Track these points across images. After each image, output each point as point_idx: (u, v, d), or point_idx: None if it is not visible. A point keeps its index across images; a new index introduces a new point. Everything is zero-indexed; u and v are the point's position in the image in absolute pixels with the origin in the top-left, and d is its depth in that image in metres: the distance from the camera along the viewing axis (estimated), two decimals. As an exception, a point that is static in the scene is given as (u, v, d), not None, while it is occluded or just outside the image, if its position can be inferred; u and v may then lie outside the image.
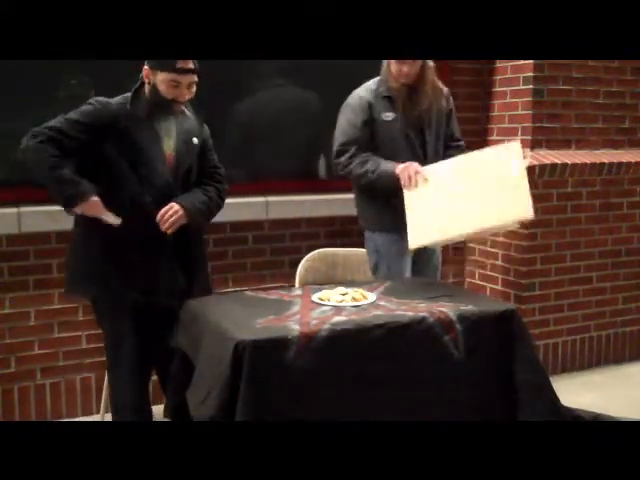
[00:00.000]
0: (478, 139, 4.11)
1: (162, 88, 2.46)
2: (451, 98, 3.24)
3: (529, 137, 3.78)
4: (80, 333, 3.31)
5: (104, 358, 3.19)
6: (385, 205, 3.00)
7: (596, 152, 3.97)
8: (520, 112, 3.83)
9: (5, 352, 3.19)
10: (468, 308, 2.42)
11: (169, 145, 2.55)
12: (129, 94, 2.54)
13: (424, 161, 2.96)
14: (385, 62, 3.00)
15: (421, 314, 2.35)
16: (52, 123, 2.45)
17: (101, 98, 2.53)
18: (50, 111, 3.00)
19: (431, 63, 3.02)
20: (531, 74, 3.75)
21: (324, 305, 2.44)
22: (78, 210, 2.44)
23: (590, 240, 3.97)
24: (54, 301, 3.25)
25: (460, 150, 3.16)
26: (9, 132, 3.21)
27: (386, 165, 2.91)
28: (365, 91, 3.05)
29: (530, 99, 3.76)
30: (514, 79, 3.86)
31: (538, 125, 3.79)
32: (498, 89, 4.00)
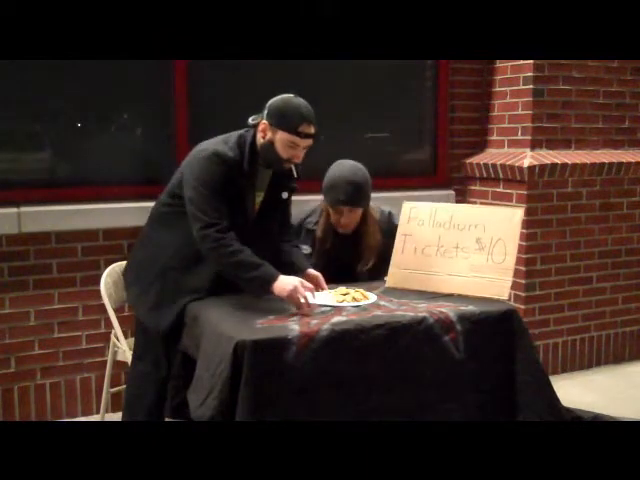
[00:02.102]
0: (478, 139, 4.12)
1: (279, 146, 2.43)
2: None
3: (529, 137, 3.78)
4: (80, 333, 3.31)
5: (104, 358, 3.21)
6: None
7: (596, 152, 3.97)
8: (520, 112, 3.83)
9: (5, 352, 3.19)
10: (468, 308, 2.42)
11: (258, 199, 2.57)
12: (245, 142, 2.48)
13: None
14: (322, 202, 2.85)
15: (421, 314, 2.35)
16: (202, 216, 2.37)
17: (221, 151, 2.43)
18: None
19: (374, 211, 2.87)
20: (531, 74, 3.75)
21: (325, 305, 2.44)
22: (275, 292, 2.37)
23: (590, 240, 3.97)
24: (54, 301, 3.25)
25: None
26: (11, 134, 3.23)
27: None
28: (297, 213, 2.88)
29: (530, 99, 3.76)
30: (514, 79, 3.87)
31: (538, 125, 3.79)
32: (498, 89, 4.00)
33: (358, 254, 2.86)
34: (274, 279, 2.35)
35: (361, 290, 2.56)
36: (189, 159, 2.50)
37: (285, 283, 2.34)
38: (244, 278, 2.38)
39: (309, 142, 2.46)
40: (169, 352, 2.56)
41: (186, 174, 2.45)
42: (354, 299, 2.48)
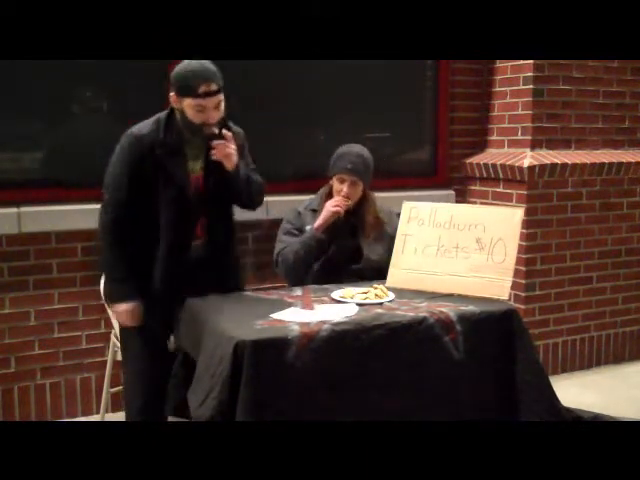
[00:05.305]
0: (478, 139, 4.12)
1: (189, 113, 2.41)
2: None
3: (529, 137, 3.78)
4: (80, 333, 3.31)
5: (104, 358, 3.21)
6: None
7: (596, 152, 3.97)
8: (520, 112, 3.83)
9: (5, 352, 3.19)
10: (468, 308, 2.42)
11: (195, 168, 2.54)
12: (162, 117, 2.50)
13: None
14: (323, 187, 2.98)
15: (421, 314, 2.35)
16: (107, 195, 2.51)
17: (136, 131, 2.48)
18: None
19: (373, 195, 2.98)
20: (531, 74, 3.75)
21: (347, 302, 2.45)
22: (116, 309, 2.46)
23: (590, 240, 3.97)
24: (54, 301, 3.25)
25: None
26: (13, 134, 3.24)
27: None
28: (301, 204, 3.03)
29: (530, 99, 3.76)
30: (514, 79, 3.86)
31: (538, 125, 3.79)
32: (498, 89, 4.00)
33: (359, 233, 2.91)
34: (123, 299, 2.49)
35: (381, 287, 2.56)
36: None
37: (119, 312, 2.50)
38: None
39: (216, 100, 2.41)
40: (148, 346, 2.58)
41: None
42: (376, 296, 2.49)
